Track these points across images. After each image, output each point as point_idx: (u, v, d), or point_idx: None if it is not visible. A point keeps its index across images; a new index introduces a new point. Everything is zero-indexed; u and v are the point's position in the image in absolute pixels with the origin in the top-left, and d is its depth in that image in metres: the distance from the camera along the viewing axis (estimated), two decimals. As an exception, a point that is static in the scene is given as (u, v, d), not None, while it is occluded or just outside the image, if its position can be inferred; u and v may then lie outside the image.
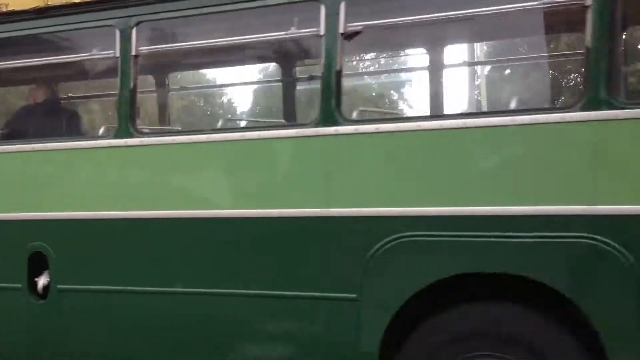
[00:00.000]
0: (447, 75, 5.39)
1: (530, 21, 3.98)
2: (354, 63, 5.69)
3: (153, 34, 4.31)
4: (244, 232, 3.86)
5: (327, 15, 3.64)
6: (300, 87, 5.51)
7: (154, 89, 5.93)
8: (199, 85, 14.69)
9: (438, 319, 3.48)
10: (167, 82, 5.97)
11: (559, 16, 3.88)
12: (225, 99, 25.97)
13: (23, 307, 4.27)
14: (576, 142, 3.23)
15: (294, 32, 3.85)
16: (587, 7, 3.19)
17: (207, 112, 22.15)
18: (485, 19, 3.78)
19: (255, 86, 17.58)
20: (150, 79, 5.84)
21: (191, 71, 8.53)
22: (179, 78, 7.77)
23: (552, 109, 3.85)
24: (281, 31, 3.93)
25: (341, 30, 3.63)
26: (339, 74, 3.65)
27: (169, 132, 5.01)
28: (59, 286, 4.19)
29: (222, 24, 4.29)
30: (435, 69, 5.06)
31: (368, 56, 5.85)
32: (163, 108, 5.92)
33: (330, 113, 3.65)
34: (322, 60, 3.68)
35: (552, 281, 3.21)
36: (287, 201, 3.77)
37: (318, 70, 3.81)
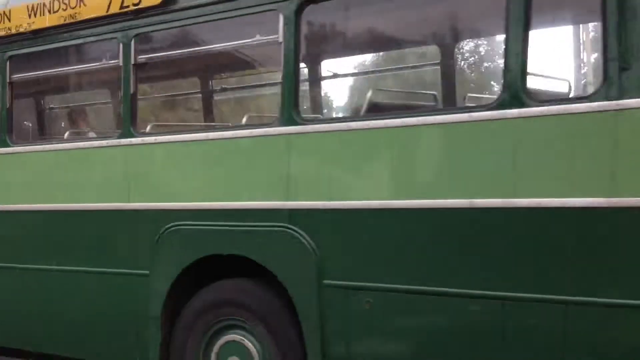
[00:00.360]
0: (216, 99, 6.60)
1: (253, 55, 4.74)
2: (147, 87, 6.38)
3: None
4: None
5: (123, 50, 4.58)
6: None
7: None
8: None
9: (201, 291, 4.39)
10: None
11: (265, 51, 4.69)
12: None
13: None
14: (277, 154, 4.03)
15: (101, 63, 4.82)
16: (280, 43, 3.96)
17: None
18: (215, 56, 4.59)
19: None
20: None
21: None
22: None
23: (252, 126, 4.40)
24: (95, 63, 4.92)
25: (133, 61, 4.56)
26: (134, 97, 4.60)
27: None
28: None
29: None
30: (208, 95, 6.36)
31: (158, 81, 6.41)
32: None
33: (128, 128, 4.60)
34: (122, 86, 4.63)
35: (262, 260, 4.06)
36: (110, 198, 4.78)
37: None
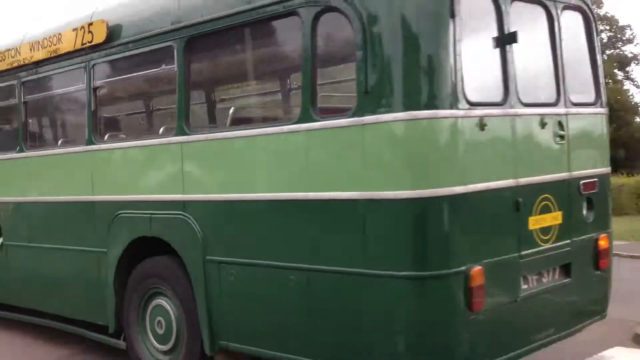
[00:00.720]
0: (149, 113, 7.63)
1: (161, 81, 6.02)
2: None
3: None
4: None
5: (86, 76, 6.02)
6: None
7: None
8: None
9: (138, 265, 5.66)
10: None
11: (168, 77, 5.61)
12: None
13: None
14: (175, 158, 5.22)
15: (75, 87, 6.39)
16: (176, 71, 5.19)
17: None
18: None
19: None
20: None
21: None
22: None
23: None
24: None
25: (92, 85, 6.04)
26: (95, 113, 6.06)
27: None
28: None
29: None
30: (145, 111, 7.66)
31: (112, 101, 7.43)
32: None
33: (90, 137, 6.01)
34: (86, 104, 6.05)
35: (169, 240, 5.32)
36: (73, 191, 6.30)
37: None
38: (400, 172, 3.99)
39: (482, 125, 4.10)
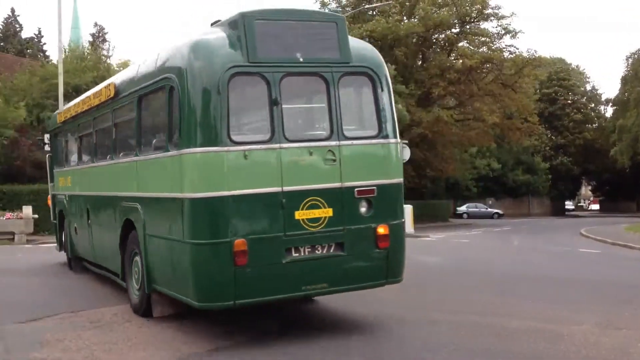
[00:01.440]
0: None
1: None
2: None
3: None
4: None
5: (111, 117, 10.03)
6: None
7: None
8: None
9: (130, 236, 8.85)
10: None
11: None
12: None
13: None
14: (131, 170, 8.95)
15: (107, 124, 10.40)
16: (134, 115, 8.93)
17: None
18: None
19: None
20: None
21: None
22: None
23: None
24: None
25: (113, 123, 10.02)
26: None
27: None
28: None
29: None
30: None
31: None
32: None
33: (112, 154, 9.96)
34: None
35: (134, 221, 8.54)
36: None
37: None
38: (196, 182, 6.89)
39: (245, 156, 6.84)
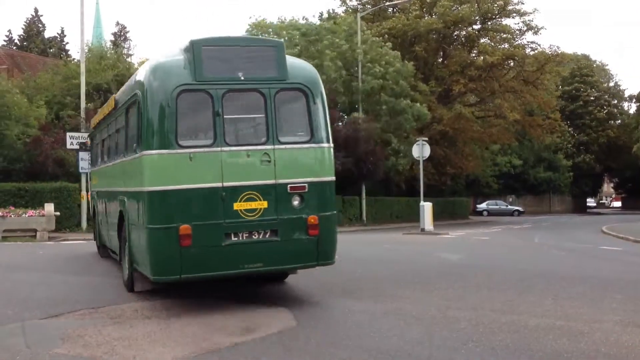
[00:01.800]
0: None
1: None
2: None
3: None
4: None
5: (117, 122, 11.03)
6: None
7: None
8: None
9: (123, 224, 10.28)
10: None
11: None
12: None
13: None
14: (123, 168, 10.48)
15: (114, 129, 12.00)
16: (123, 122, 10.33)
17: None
18: None
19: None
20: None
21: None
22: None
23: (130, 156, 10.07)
24: None
25: (119, 127, 11.29)
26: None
27: None
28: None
29: None
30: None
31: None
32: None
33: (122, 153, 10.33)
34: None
35: (123, 211, 10.12)
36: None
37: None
38: (152, 178, 8.45)
39: (190, 157, 8.38)
